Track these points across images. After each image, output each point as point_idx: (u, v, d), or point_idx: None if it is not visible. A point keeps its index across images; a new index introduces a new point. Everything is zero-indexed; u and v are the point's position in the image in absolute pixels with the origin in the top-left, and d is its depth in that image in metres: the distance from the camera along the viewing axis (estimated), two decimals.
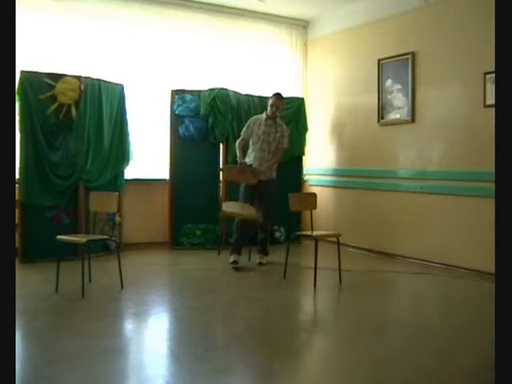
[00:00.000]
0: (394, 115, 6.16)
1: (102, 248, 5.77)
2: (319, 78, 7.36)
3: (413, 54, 5.85)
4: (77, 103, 5.58)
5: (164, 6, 6.57)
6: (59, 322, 3.64)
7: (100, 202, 4.75)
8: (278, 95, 5.52)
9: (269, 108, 5.51)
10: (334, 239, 4.86)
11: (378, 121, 6.33)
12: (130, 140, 6.11)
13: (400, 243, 6.01)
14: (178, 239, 6.46)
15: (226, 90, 6.51)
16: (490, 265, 4.61)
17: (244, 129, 5.63)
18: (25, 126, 5.36)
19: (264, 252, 5.61)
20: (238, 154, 5.54)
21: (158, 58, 6.56)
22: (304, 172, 7.25)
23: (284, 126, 5.67)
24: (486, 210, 4.94)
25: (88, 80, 5.66)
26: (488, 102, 5.04)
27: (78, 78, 5.60)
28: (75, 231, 5.52)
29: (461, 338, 3.43)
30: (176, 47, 6.68)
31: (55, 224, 5.52)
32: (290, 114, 6.86)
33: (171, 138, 6.44)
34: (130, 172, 6.25)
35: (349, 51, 6.83)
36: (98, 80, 5.76)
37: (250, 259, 5.65)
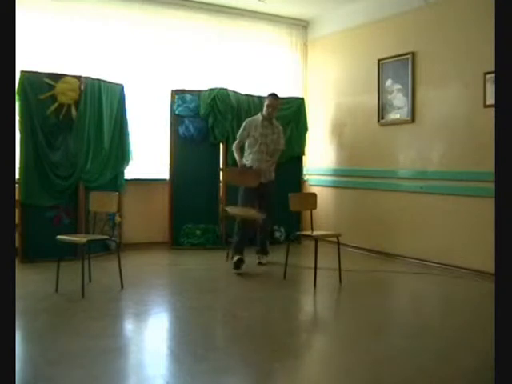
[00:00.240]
0: (394, 115, 6.16)
1: (102, 248, 5.77)
2: (319, 78, 7.36)
3: (413, 54, 5.85)
4: (77, 103, 5.58)
5: (164, 5, 6.57)
6: (59, 322, 3.64)
7: (100, 202, 4.75)
8: (274, 95, 5.46)
9: (265, 109, 5.44)
10: (334, 239, 4.86)
11: (378, 121, 6.33)
12: (130, 140, 6.11)
13: (400, 243, 6.01)
14: (177, 239, 6.46)
15: (226, 90, 6.51)
16: (490, 265, 4.61)
17: (240, 131, 5.54)
18: (25, 125, 5.36)
19: (264, 252, 5.61)
20: (236, 158, 5.47)
21: (158, 58, 6.56)
22: (304, 172, 7.25)
23: (280, 126, 5.63)
24: (486, 210, 4.94)
25: (88, 80, 5.66)
26: (488, 102, 5.04)
27: (78, 78, 5.60)
28: (75, 231, 5.52)
29: (461, 337, 3.43)
30: (176, 47, 6.68)
31: (55, 224, 5.52)
32: (290, 114, 6.87)
33: (171, 138, 6.44)
34: (130, 172, 6.25)
35: (349, 51, 6.83)
36: (98, 80, 5.76)
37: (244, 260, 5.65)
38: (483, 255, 4.96)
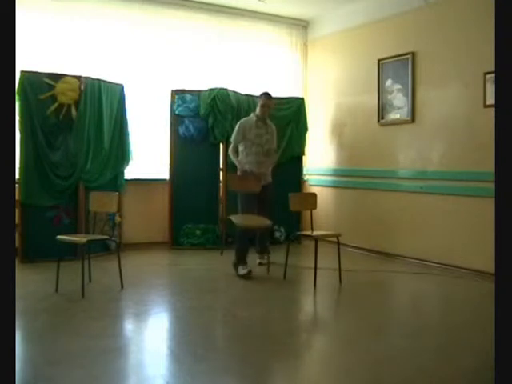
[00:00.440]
0: (394, 115, 6.16)
1: (102, 248, 5.77)
2: (319, 78, 7.36)
3: (413, 53, 5.85)
4: (77, 103, 5.58)
5: (164, 5, 6.57)
6: (59, 322, 3.64)
7: (100, 202, 4.75)
8: (268, 95, 5.34)
9: (259, 109, 5.35)
10: (334, 239, 4.86)
11: (378, 121, 6.33)
12: (130, 140, 6.11)
13: (400, 243, 6.01)
14: (178, 239, 6.46)
15: (226, 90, 6.51)
16: (490, 265, 4.61)
17: (234, 134, 5.38)
18: (25, 125, 5.37)
19: (265, 251, 5.58)
20: (236, 162, 5.36)
21: (158, 58, 6.56)
22: (304, 172, 7.25)
23: (273, 126, 5.52)
24: (486, 209, 4.94)
25: (88, 80, 5.66)
26: (488, 102, 5.04)
27: (78, 78, 5.60)
28: (75, 231, 5.52)
29: (461, 337, 3.43)
30: (176, 47, 6.68)
31: (55, 224, 5.52)
32: (290, 114, 6.87)
33: (171, 138, 6.44)
34: (130, 172, 6.25)
35: (349, 51, 6.83)
36: (98, 80, 5.76)
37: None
38: (483, 255, 4.96)
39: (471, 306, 4.25)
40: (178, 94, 6.45)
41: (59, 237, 4.39)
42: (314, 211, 5.24)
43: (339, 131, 6.97)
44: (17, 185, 5.24)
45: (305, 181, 7.34)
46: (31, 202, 5.42)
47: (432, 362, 2.98)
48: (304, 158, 7.18)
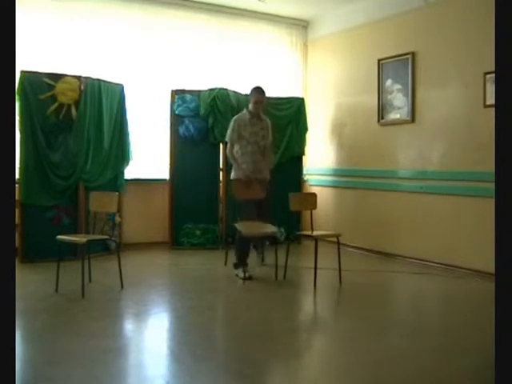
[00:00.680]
0: (394, 115, 6.16)
1: (102, 248, 5.77)
2: (319, 78, 7.36)
3: (413, 53, 5.85)
4: (77, 103, 5.58)
5: (164, 5, 6.57)
6: (59, 322, 3.63)
7: (100, 202, 4.75)
8: (260, 90, 5.17)
9: (252, 105, 5.19)
10: (334, 239, 4.85)
11: (378, 121, 6.33)
12: (130, 140, 6.11)
13: (400, 243, 6.01)
14: (177, 239, 6.46)
15: (226, 90, 6.51)
16: (490, 265, 4.61)
17: (229, 133, 5.24)
18: (25, 126, 5.37)
19: (262, 245, 5.57)
20: (236, 165, 5.19)
21: (158, 58, 6.56)
22: (304, 172, 7.25)
23: (267, 119, 5.38)
24: (486, 210, 4.94)
25: (88, 80, 5.66)
26: (488, 102, 5.04)
27: (78, 78, 5.60)
28: (75, 231, 5.52)
29: (461, 337, 3.43)
30: (176, 47, 6.68)
31: (55, 224, 5.52)
32: (290, 114, 6.87)
33: (171, 138, 6.44)
34: (130, 172, 6.25)
35: (349, 51, 6.83)
36: (98, 80, 5.76)
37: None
38: (483, 255, 4.95)
39: (471, 306, 4.25)
40: (178, 94, 6.45)
41: (59, 237, 4.39)
42: (314, 211, 5.24)
43: (339, 131, 6.97)
44: (17, 185, 5.24)
45: (305, 181, 7.34)
46: (31, 202, 5.42)
47: (432, 361, 2.98)
48: (304, 157, 7.18)
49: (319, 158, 7.28)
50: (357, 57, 6.69)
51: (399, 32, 6.08)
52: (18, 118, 5.32)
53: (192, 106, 6.42)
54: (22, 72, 5.37)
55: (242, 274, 4.96)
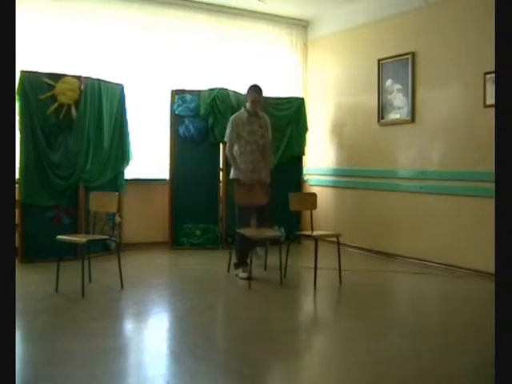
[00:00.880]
0: (394, 115, 6.16)
1: (102, 248, 5.77)
2: (319, 78, 7.36)
3: (413, 53, 5.85)
4: (77, 103, 5.58)
5: (164, 5, 6.57)
6: (59, 322, 3.63)
7: (100, 202, 4.75)
8: (257, 89, 5.07)
9: (250, 104, 5.09)
10: (334, 239, 4.85)
11: (378, 121, 6.33)
12: (130, 140, 6.11)
13: (400, 243, 6.01)
14: (177, 239, 6.46)
15: (226, 90, 6.51)
16: (490, 265, 4.61)
17: (228, 133, 5.16)
18: (25, 126, 5.37)
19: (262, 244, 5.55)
20: (236, 168, 5.11)
21: (158, 58, 6.56)
22: (304, 172, 7.25)
23: (266, 116, 5.29)
24: (486, 210, 4.94)
25: (88, 80, 5.66)
26: (488, 102, 5.04)
27: (78, 78, 5.60)
28: (75, 231, 5.52)
29: (461, 337, 3.43)
30: (176, 47, 6.68)
31: (55, 224, 5.52)
32: (290, 114, 6.87)
33: (171, 138, 6.44)
34: (130, 172, 6.25)
35: (349, 51, 6.83)
36: (98, 80, 5.76)
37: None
38: (483, 255, 4.95)
39: (471, 306, 4.25)
40: (178, 94, 6.45)
41: (59, 237, 4.39)
42: (314, 211, 5.24)
43: (339, 131, 6.97)
44: (17, 185, 5.24)
45: (305, 181, 7.34)
46: (31, 202, 5.42)
47: (432, 361, 2.98)
48: (304, 157, 7.18)
49: (319, 157, 7.28)
50: (357, 57, 6.69)
51: (399, 32, 6.08)
52: (18, 117, 5.31)
53: (192, 106, 6.42)
54: (22, 72, 5.37)
55: (242, 274, 4.96)
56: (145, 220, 6.49)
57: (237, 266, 5.06)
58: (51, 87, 5.47)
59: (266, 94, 5.47)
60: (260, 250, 5.55)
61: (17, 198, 5.24)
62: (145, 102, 6.45)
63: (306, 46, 7.61)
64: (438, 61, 5.61)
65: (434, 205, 5.66)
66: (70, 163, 5.59)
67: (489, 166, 4.80)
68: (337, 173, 7.00)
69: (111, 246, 5.83)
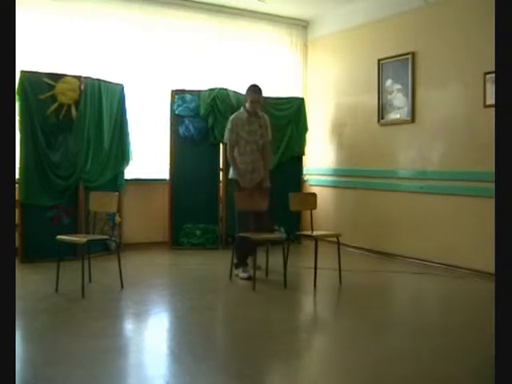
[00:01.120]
0: (394, 115, 6.16)
1: (102, 248, 5.77)
2: (319, 78, 7.36)
3: (413, 53, 5.85)
4: (77, 103, 5.58)
5: (164, 5, 6.57)
6: (59, 322, 3.63)
7: (100, 202, 4.75)
8: (256, 89, 5.02)
9: (249, 104, 5.05)
10: (334, 239, 4.85)
11: (378, 121, 6.33)
12: (130, 140, 6.11)
13: (400, 243, 6.01)
14: (178, 239, 6.46)
15: (226, 90, 6.51)
16: (490, 265, 4.61)
17: (228, 134, 5.11)
18: (25, 126, 5.37)
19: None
20: (235, 169, 5.07)
21: (158, 58, 6.56)
22: (304, 172, 7.25)
23: (265, 116, 5.25)
24: (486, 210, 4.94)
25: (88, 80, 5.66)
26: (488, 102, 5.04)
27: (78, 77, 5.60)
28: (75, 231, 5.52)
29: (461, 337, 3.43)
30: (176, 47, 6.68)
31: (55, 224, 5.52)
32: (290, 114, 6.87)
33: (171, 138, 6.44)
34: (130, 172, 6.25)
35: (349, 51, 6.83)
36: (98, 80, 5.76)
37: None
38: (483, 255, 4.95)
39: (471, 306, 4.25)
40: (178, 94, 6.45)
41: (59, 237, 4.39)
42: (314, 211, 5.24)
43: (339, 131, 6.97)
44: (17, 185, 5.24)
45: (305, 181, 7.34)
46: (31, 202, 5.42)
47: (432, 361, 2.98)
48: (304, 157, 7.18)
49: (319, 157, 7.28)
50: (357, 57, 6.69)
51: (399, 32, 6.08)
52: (18, 117, 5.31)
53: (192, 106, 6.42)
54: (22, 72, 5.37)
55: (242, 274, 4.96)
56: (145, 220, 6.49)
57: (237, 266, 5.06)
58: (51, 87, 5.47)
59: (265, 94, 5.45)
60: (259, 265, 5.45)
61: (17, 198, 5.24)
62: (145, 102, 6.45)
63: (305, 45, 7.61)
64: (438, 61, 5.61)
65: (434, 205, 5.66)
66: (69, 163, 5.59)
67: (489, 165, 4.80)
68: (337, 173, 7.00)
69: (111, 246, 5.83)
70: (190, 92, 6.48)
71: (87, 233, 5.44)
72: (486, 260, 4.87)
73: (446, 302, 4.52)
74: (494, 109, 4.74)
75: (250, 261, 5.03)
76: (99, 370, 2.81)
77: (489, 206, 4.88)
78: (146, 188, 6.54)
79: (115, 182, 5.99)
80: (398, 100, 6.08)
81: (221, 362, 3.02)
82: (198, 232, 6.46)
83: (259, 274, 5.00)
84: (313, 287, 4.69)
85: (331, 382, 2.82)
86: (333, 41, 7.13)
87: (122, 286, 4.51)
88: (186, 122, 6.42)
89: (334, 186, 7.03)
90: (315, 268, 4.72)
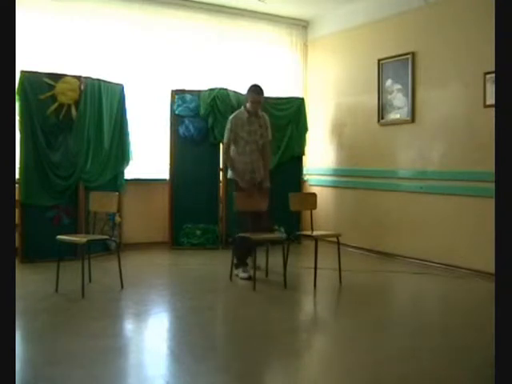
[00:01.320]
0: (394, 115, 6.16)
1: (102, 248, 5.77)
2: (319, 78, 7.36)
3: (413, 53, 5.85)
4: (77, 103, 5.58)
5: (164, 5, 6.57)
6: (59, 322, 3.63)
7: (100, 202, 4.75)
8: (257, 90, 4.99)
9: (250, 104, 5.02)
10: (334, 239, 4.85)
11: (378, 121, 6.33)
12: (130, 140, 6.11)
13: (400, 243, 6.01)
14: (177, 239, 6.46)
15: (226, 90, 6.51)
16: (490, 265, 4.61)
17: (227, 133, 5.07)
18: (25, 126, 5.37)
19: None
20: (228, 164, 5.08)
21: (158, 58, 6.56)
22: (304, 172, 7.25)
23: (265, 116, 5.22)
24: (486, 210, 4.94)
25: (88, 80, 5.66)
26: (488, 102, 5.04)
27: (78, 78, 5.60)
28: (75, 231, 5.52)
29: (461, 337, 3.43)
30: (176, 47, 6.68)
31: (55, 224, 5.52)
32: (290, 114, 6.87)
33: (171, 138, 6.44)
34: (130, 172, 6.25)
35: (349, 51, 6.83)
36: (98, 80, 5.76)
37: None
38: (483, 255, 4.95)
39: (471, 306, 4.25)
40: (178, 94, 6.45)
41: (59, 237, 4.39)
42: (314, 211, 5.24)
43: (339, 131, 6.97)
44: (17, 185, 5.24)
45: (305, 181, 7.34)
46: (31, 202, 5.42)
47: (432, 361, 2.98)
48: (304, 158, 7.18)
49: (319, 157, 7.28)
50: (357, 57, 6.69)
51: (399, 32, 6.08)
52: (18, 117, 5.31)
53: (192, 106, 6.42)
54: (22, 72, 5.37)
55: (242, 274, 4.96)
56: (145, 220, 6.49)
57: (237, 266, 5.05)
58: (51, 87, 5.47)
59: (266, 93, 5.36)
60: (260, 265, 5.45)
61: (17, 198, 5.24)
62: (145, 102, 6.45)
63: (305, 45, 7.61)
64: (438, 61, 5.61)
65: (434, 205, 5.66)
66: (70, 163, 5.59)
67: (489, 166, 4.80)
68: (337, 173, 7.00)
69: (111, 246, 5.83)
70: (190, 92, 6.48)
71: (87, 233, 5.44)
72: (486, 260, 4.87)
73: (446, 302, 4.52)
74: (494, 109, 4.74)
75: (249, 261, 5.04)
76: (99, 370, 2.81)
77: (489, 206, 4.88)
78: (145, 188, 6.54)
79: (115, 182, 5.99)
80: (398, 100, 6.08)
81: (221, 362, 3.02)
82: (198, 232, 6.46)
83: (259, 274, 5.00)
84: (313, 287, 4.69)
85: (331, 382, 2.82)
86: (333, 41, 7.13)
87: (122, 286, 4.51)
88: (186, 121, 6.42)
89: (334, 185, 7.03)
90: (315, 268, 4.72)
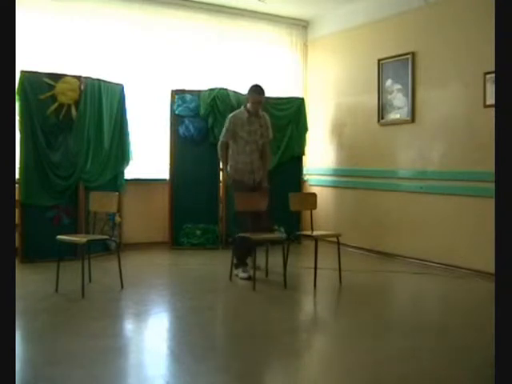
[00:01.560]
0: (394, 115, 6.16)
1: (102, 248, 5.77)
2: (319, 78, 7.36)
3: (413, 53, 5.85)
4: (77, 103, 5.58)
5: (164, 5, 6.57)
6: (59, 322, 3.63)
7: (100, 202, 4.75)
8: (259, 90, 4.99)
9: (251, 105, 5.02)
10: (334, 239, 4.85)
11: (378, 121, 6.33)
12: (130, 140, 6.12)
13: (400, 243, 6.01)
14: (177, 239, 6.46)
15: (226, 90, 6.51)
16: (490, 265, 4.61)
17: (224, 132, 5.07)
18: (25, 126, 5.37)
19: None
20: (222, 161, 5.08)
21: (158, 58, 6.56)
22: (304, 172, 7.25)
23: (266, 116, 5.22)
24: (486, 210, 4.94)
25: (88, 80, 5.66)
26: (488, 102, 5.04)
27: (78, 78, 5.60)
28: (75, 231, 5.52)
29: (461, 337, 3.43)
30: (176, 47, 6.68)
31: (55, 224, 5.52)
32: (290, 114, 6.87)
33: (171, 138, 6.44)
34: (130, 172, 6.25)
35: (349, 51, 6.83)
36: (98, 80, 5.76)
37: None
38: (483, 255, 4.95)
39: (471, 306, 4.25)
40: (178, 94, 6.45)
41: (59, 237, 4.39)
42: (314, 211, 5.24)
43: (339, 131, 6.97)
44: (17, 185, 5.24)
45: (305, 181, 7.34)
46: (31, 202, 5.42)
47: (432, 361, 2.98)
48: (304, 157, 7.18)
49: (319, 157, 7.28)
50: (357, 57, 6.69)
51: (399, 32, 6.08)
52: (18, 117, 5.31)
53: (192, 106, 6.42)
54: (22, 72, 5.37)
55: (242, 274, 4.96)
56: (145, 220, 6.49)
57: (237, 266, 5.05)
58: (51, 87, 5.47)
59: (266, 93, 5.35)
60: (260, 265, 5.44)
61: (17, 198, 5.24)
62: (145, 101, 6.45)
63: (306, 45, 7.61)
64: (438, 61, 5.61)
65: (434, 205, 5.66)
66: (70, 163, 5.59)
67: (489, 165, 4.80)
68: (337, 173, 7.00)
69: (111, 246, 5.83)
70: (190, 92, 6.48)
71: (87, 233, 5.44)
72: (486, 260, 4.87)
73: (445, 302, 4.52)
74: (494, 109, 4.74)
75: (249, 261, 5.04)
76: (99, 370, 2.81)
77: (489, 206, 4.88)
78: (145, 188, 6.54)
79: (115, 182, 5.99)
80: (398, 100, 6.08)
81: (221, 362, 3.02)
82: (198, 232, 6.46)
83: (259, 274, 5.00)
84: (313, 287, 4.69)
85: (331, 382, 2.82)
86: (333, 41, 7.13)
87: (122, 286, 4.51)
88: (186, 122, 6.42)
89: (334, 185, 7.03)
90: (315, 268, 4.72)
